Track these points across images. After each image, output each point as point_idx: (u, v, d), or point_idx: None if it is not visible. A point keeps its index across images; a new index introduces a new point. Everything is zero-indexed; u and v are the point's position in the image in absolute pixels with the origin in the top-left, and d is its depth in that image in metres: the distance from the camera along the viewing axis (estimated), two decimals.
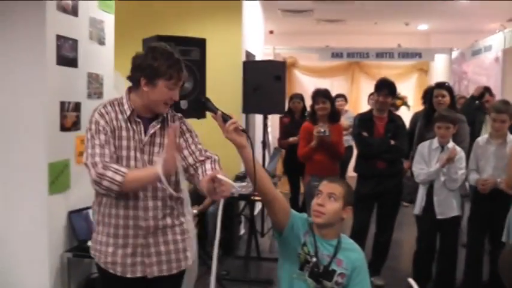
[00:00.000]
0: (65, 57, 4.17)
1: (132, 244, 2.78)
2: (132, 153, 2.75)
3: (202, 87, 4.52)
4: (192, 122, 3.10)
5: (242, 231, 7.12)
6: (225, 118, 2.56)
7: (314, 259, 2.78)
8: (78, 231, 4.33)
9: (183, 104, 4.38)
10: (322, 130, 5.44)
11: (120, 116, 2.77)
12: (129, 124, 2.76)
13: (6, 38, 4.04)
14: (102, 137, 2.69)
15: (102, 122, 2.72)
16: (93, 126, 2.73)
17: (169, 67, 2.68)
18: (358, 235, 5.31)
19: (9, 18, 4.03)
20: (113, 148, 2.70)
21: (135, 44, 4.95)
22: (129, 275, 2.80)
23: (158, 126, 2.79)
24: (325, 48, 12.10)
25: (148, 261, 2.80)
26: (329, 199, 2.77)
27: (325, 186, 2.83)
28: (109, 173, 2.58)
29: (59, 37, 4.07)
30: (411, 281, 2.00)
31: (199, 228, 6.19)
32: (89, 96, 4.48)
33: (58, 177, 4.14)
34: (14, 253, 4.14)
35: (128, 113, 2.76)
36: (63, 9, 4.14)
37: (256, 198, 5.45)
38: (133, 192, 2.71)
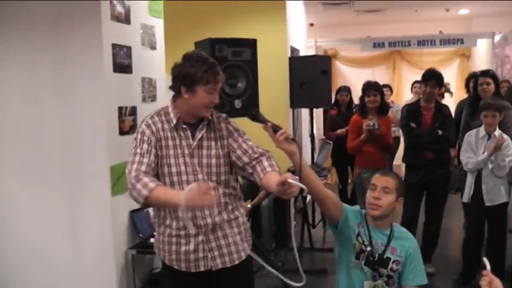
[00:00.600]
0: (121, 64, 4.37)
1: (194, 242, 2.91)
2: (181, 159, 2.86)
3: (254, 86, 4.64)
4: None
5: (294, 223, 7.24)
6: (275, 129, 2.68)
7: (369, 248, 2.92)
8: (139, 229, 4.54)
9: (237, 103, 4.52)
10: (372, 123, 5.53)
11: (166, 126, 2.89)
12: (175, 133, 2.88)
13: (66, 49, 4.27)
14: (145, 146, 2.83)
15: (147, 132, 2.86)
16: (138, 136, 2.88)
17: (205, 72, 2.77)
18: (408, 224, 5.35)
19: (67, 30, 4.26)
20: (153, 158, 2.81)
21: (187, 48, 5.14)
22: (193, 270, 2.96)
23: (204, 129, 2.91)
24: (367, 39, 12.08)
25: (211, 255, 2.94)
26: (384, 192, 2.89)
27: (379, 180, 2.94)
28: (138, 186, 2.74)
29: (114, 45, 4.28)
30: (485, 259, 2.11)
31: (253, 222, 6.36)
32: (144, 100, 4.67)
33: (119, 179, 4.35)
34: (82, 252, 4.39)
35: (174, 121, 2.87)
36: (117, 19, 4.34)
37: None
38: None
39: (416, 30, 12.11)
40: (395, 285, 2.97)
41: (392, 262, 2.94)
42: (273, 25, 7.25)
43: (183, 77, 2.80)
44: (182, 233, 2.92)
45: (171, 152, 2.87)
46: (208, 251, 2.94)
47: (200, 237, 2.91)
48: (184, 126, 2.89)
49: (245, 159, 2.91)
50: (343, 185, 7.49)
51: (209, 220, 2.90)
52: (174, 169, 2.86)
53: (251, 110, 3.04)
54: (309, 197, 6.38)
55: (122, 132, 4.39)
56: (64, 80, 4.30)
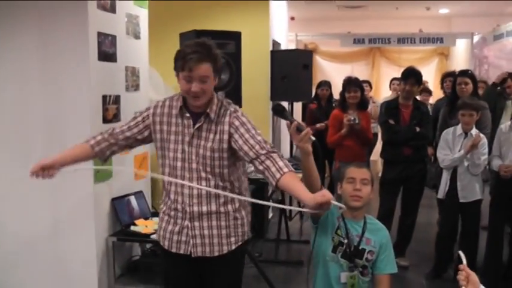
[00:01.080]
0: (106, 53, 4.38)
1: (180, 224, 3.01)
2: (179, 146, 2.93)
3: (238, 79, 4.71)
4: None
5: (270, 214, 7.34)
6: (300, 128, 2.69)
7: (346, 240, 3.01)
8: (120, 216, 4.57)
9: (220, 95, 4.59)
10: (353, 118, 5.63)
11: (173, 111, 2.96)
12: (179, 119, 2.95)
13: (52, 37, 4.26)
14: (133, 121, 3.09)
15: (150, 111, 3.04)
16: (142, 110, 3.10)
17: (182, 58, 2.77)
18: (385, 218, 5.46)
19: (54, 19, 4.24)
20: (128, 132, 3.08)
21: (171, 38, 5.19)
22: (173, 250, 3.05)
23: (204, 120, 2.92)
24: (347, 35, 12.21)
25: (193, 242, 3.00)
26: (363, 184, 3.00)
27: (357, 173, 3.04)
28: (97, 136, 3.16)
29: (99, 34, 4.29)
30: (461, 253, 2.19)
31: None
32: (127, 89, 4.69)
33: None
34: (63, 238, 4.40)
35: (178, 108, 2.95)
36: (103, 8, 4.34)
37: None
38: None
39: (396, 28, 12.27)
40: (369, 274, 3.07)
41: (367, 252, 3.04)
42: (256, 18, 7.28)
43: (174, 63, 2.86)
44: (172, 213, 3.03)
45: (172, 137, 2.96)
46: (191, 237, 3.00)
47: (186, 222, 2.99)
48: (188, 114, 2.93)
49: (251, 154, 2.83)
50: (321, 178, 7.57)
51: (195, 208, 2.96)
52: (171, 154, 2.96)
53: (277, 105, 3.08)
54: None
55: (106, 120, 4.40)
56: (49, 67, 4.30)
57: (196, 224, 2.98)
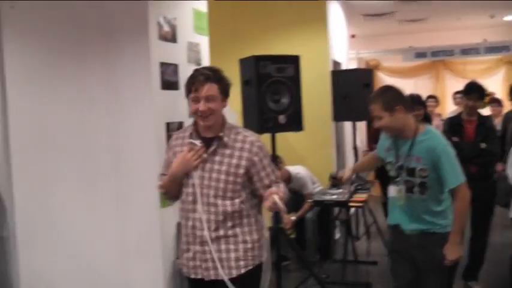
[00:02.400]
0: (168, 82, 4.50)
1: (193, 250, 3.15)
2: (194, 172, 3.09)
3: (298, 102, 4.75)
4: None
5: (337, 235, 7.30)
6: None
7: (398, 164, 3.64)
8: (180, 252, 4.63)
9: (281, 118, 4.64)
10: None
11: (186, 140, 3.18)
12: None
13: (116, 68, 4.42)
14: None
15: (167, 146, 3.39)
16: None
17: (188, 83, 3.05)
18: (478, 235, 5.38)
19: (117, 50, 4.41)
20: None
21: (231, 63, 5.29)
22: (192, 276, 3.19)
23: (216, 144, 3.07)
24: (409, 49, 12.06)
25: (205, 265, 3.11)
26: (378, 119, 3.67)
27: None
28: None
29: (162, 64, 4.41)
30: None
31: (298, 234, 6.44)
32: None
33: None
34: (131, 263, 4.51)
35: (187, 135, 3.18)
36: (164, 38, 4.47)
37: (351, 204, 5.61)
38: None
39: (459, 39, 12.02)
40: (428, 191, 3.56)
41: (419, 170, 3.52)
42: (315, 39, 7.33)
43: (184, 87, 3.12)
44: (184, 239, 3.22)
45: None
46: (204, 261, 3.11)
47: (197, 247, 3.11)
48: (198, 141, 3.10)
49: (258, 185, 3.13)
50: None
51: (205, 233, 3.06)
52: (189, 181, 3.12)
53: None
54: (352, 209, 6.43)
55: None
56: (114, 97, 4.46)
57: (206, 248, 3.08)
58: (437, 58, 12.39)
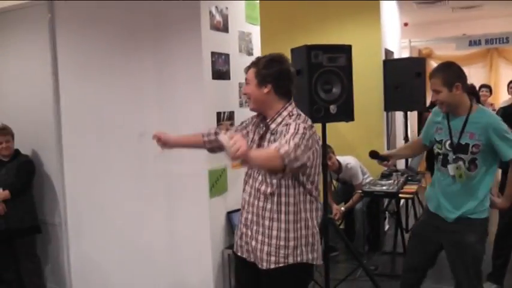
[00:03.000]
0: (219, 71, 4.51)
1: (240, 229, 3.22)
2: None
3: (349, 92, 4.71)
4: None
5: (387, 227, 7.24)
6: None
7: (448, 141, 3.69)
8: (236, 229, 4.67)
9: (332, 108, 4.61)
10: None
11: (255, 120, 3.28)
12: (257, 128, 3.23)
13: (167, 58, 4.47)
14: (239, 126, 3.43)
15: (247, 121, 3.37)
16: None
17: None
18: (505, 232, 5.24)
19: (168, 40, 4.46)
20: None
21: (285, 53, 5.26)
22: (239, 253, 3.24)
23: (264, 129, 3.13)
24: (462, 37, 11.83)
25: (246, 247, 3.16)
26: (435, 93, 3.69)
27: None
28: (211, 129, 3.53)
29: (213, 53, 4.43)
30: None
31: (347, 225, 6.41)
32: (241, 105, 4.79)
33: (217, 182, 4.51)
34: (181, 252, 4.58)
35: (257, 116, 3.25)
36: (216, 28, 4.48)
37: (401, 195, 5.54)
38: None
39: None
40: (477, 169, 3.61)
41: (472, 146, 3.57)
42: (367, 28, 7.24)
43: None
44: (239, 216, 3.26)
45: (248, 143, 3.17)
46: (245, 243, 3.16)
47: (243, 229, 3.17)
48: (262, 125, 3.16)
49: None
50: None
51: (249, 216, 3.11)
52: None
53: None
54: (402, 201, 6.36)
55: None
56: (165, 87, 4.51)
57: (249, 232, 3.12)
58: (491, 46, 12.12)
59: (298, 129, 2.86)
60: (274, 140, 2.94)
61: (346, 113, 4.73)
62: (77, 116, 4.98)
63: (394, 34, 8.65)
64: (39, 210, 5.33)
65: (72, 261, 5.17)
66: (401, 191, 5.54)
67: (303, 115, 3.09)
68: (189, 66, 4.38)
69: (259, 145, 3.10)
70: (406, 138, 6.87)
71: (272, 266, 3.03)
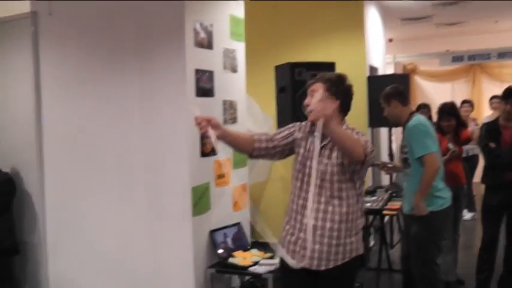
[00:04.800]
0: (203, 88, 4.50)
1: (296, 235, 3.23)
2: (308, 162, 3.22)
3: None
4: None
5: (372, 243, 7.23)
6: None
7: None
8: (219, 248, 4.64)
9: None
10: (452, 150, 5.48)
11: (308, 129, 3.33)
12: (311, 137, 3.25)
13: (151, 75, 4.46)
14: (285, 131, 3.41)
15: (296, 126, 3.41)
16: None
17: None
18: (488, 247, 5.28)
19: (153, 57, 4.45)
20: (278, 138, 3.36)
21: (267, 69, 5.28)
22: (290, 259, 3.24)
23: (328, 139, 3.16)
24: (446, 53, 11.93)
25: (303, 253, 3.18)
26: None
27: None
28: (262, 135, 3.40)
29: (197, 71, 4.42)
30: None
31: None
32: (225, 122, 4.77)
33: (200, 199, 4.48)
34: (163, 271, 4.53)
35: (308, 125, 3.31)
36: (200, 45, 4.47)
37: (386, 211, 5.54)
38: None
39: (496, 42, 11.88)
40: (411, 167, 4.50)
41: (403, 147, 4.62)
42: (352, 44, 7.25)
43: None
44: (292, 222, 3.27)
45: (304, 152, 3.26)
46: (303, 249, 3.19)
47: (301, 234, 3.20)
48: (317, 133, 3.12)
49: None
50: None
51: (311, 221, 3.15)
52: (298, 166, 3.27)
53: None
54: (387, 217, 6.36)
55: (203, 154, 4.51)
56: (149, 103, 4.49)
57: (309, 237, 3.15)
58: (474, 62, 12.24)
59: (360, 136, 3.18)
60: (333, 149, 3.15)
61: None
62: (59, 133, 4.92)
63: (378, 50, 8.67)
64: (18, 228, 5.22)
65: (51, 281, 5.08)
66: (386, 207, 5.55)
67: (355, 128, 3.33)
68: (172, 83, 4.37)
69: (322, 154, 3.18)
70: (390, 155, 6.88)
71: (339, 263, 3.19)
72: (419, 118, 4.57)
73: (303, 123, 3.38)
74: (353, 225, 3.21)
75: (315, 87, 3.21)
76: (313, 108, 3.12)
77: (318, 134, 3.09)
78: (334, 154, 3.14)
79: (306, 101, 3.22)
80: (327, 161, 3.15)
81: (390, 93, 4.72)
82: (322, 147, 3.16)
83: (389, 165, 5.46)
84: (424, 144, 4.37)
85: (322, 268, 3.17)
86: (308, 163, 3.19)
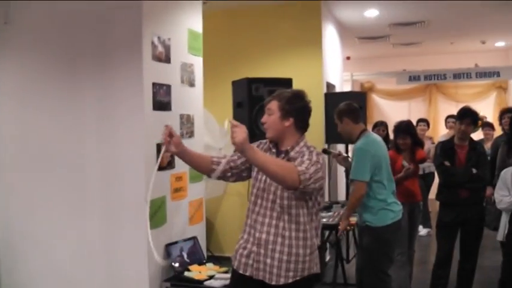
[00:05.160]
0: (160, 102, 4.51)
1: (249, 249, 3.26)
2: (260, 176, 3.26)
3: None
4: None
5: (328, 257, 7.27)
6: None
7: None
8: (174, 262, 4.63)
9: None
10: (406, 167, 5.57)
11: (265, 147, 3.37)
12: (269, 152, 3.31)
13: (108, 88, 4.45)
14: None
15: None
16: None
17: None
18: (443, 262, 5.39)
19: (110, 70, 4.44)
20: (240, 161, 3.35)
21: (225, 84, 5.30)
22: (240, 271, 3.29)
23: (283, 157, 3.21)
24: (403, 72, 12.13)
25: (256, 266, 3.22)
26: None
27: None
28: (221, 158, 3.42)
29: (154, 84, 4.43)
30: None
31: None
32: (182, 136, 4.77)
33: (156, 213, 4.47)
34: (118, 283, 4.50)
35: (267, 143, 3.35)
36: (158, 59, 4.49)
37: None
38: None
39: (452, 63, 12.13)
40: None
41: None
42: (309, 61, 7.33)
43: None
44: (245, 236, 3.31)
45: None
46: (256, 262, 3.22)
47: (254, 248, 3.22)
48: (274, 150, 3.28)
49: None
50: None
51: (264, 236, 3.19)
52: (255, 183, 3.30)
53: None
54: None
55: (160, 168, 4.49)
56: (106, 117, 4.47)
57: (262, 251, 3.19)
58: (430, 82, 12.47)
59: (313, 157, 3.12)
60: None
61: None
62: (14, 145, 4.84)
63: (336, 67, 8.78)
64: None
65: None
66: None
67: (314, 148, 3.31)
68: (130, 97, 4.37)
69: None
70: (346, 171, 6.92)
71: (290, 281, 3.18)
72: (367, 139, 4.66)
73: (263, 141, 3.40)
74: (306, 244, 3.19)
75: (270, 106, 3.24)
76: (267, 126, 3.21)
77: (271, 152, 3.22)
78: None
79: (263, 119, 3.26)
80: None
81: (343, 110, 4.79)
82: None
83: (343, 155, 5.56)
84: (360, 169, 4.50)
85: (273, 283, 3.18)
86: (263, 179, 3.22)
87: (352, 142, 4.80)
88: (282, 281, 3.17)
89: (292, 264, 3.17)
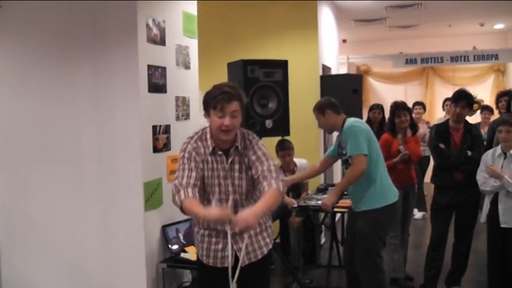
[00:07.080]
0: (156, 85, 4.50)
1: (223, 242, 3.31)
2: (216, 180, 3.28)
3: (285, 106, 4.78)
4: None
5: (323, 240, 7.31)
6: None
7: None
8: (170, 243, 4.66)
9: (268, 123, 4.68)
10: (402, 153, 5.60)
11: (206, 151, 3.27)
12: (212, 157, 3.25)
13: (103, 70, 4.44)
14: (192, 164, 3.23)
15: (194, 153, 3.25)
16: (186, 154, 3.26)
17: (214, 98, 3.15)
18: (437, 245, 5.42)
19: (105, 52, 4.43)
20: (196, 174, 3.21)
21: (220, 66, 5.30)
22: (219, 266, 3.36)
23: (234, 154, 3.26)
24: (399, 55, 12.06)
25: (238, 254, 3.28)
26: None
27: None
28: (177, 196, 3.14)
29: (149, 67, 4.42)
30: None
31: (282, 239, 6.45)
32: (177, 118, 4.79)
33: (152, 195, 4.49)
34: (115, 265, 4.53)
35: (211, 148, 3.26)
36: (153, 41, 4.48)
37: (336, 209, 5.61)
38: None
39: (449, 46, 12.03)
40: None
41: (342, 149, 4.64)
42: (305, 43, 7.32)
43: (205, 103, 3.23)
44: (214, 233, 3.34)
45: (210, 173, 3.27)
46: (237, 250, 3.29)
47: (228, 240, 3.21)
48: (220, 152, 3.23)
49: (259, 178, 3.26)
50: None
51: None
52: (211, 189, 3.30)
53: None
54: (338, 215, 6.43)
55: (156, 149, 4.52)
56: (101, 100, 4.47)
57: (239, 238, 3.28)
58: (427, 65, 12.40)
59: (264, 150, 3.29)
60: (244, 162, 3.27)
61: (282, 127, 4.80)
62: (10, 129, 4.83)
63: (332, 50, 8.76)
64: None
65: (3, 277, 5.01)
66: (337, 205, 5.59)
67: (254, 137, 3.38)
68: (125, 79, 4.36)
69: (231, 169, 3.27)
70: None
71: (270, 246, 3.46)
72: (353, 120, 4.68)
73: (192, 140, 3.31)
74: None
75: (234, 107, 3.16)
76: (233, 129, 3.17)
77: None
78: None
79: (229, 124, 3.14)
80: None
81: (324, 103, 4.80)
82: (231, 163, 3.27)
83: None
84: (356, 144, 4.45)
85: (263, 254, 3.39)
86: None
87: (337, 131, 4.80)
88: (265, 250, 3.42)
89: (265, 233, 3.47)
